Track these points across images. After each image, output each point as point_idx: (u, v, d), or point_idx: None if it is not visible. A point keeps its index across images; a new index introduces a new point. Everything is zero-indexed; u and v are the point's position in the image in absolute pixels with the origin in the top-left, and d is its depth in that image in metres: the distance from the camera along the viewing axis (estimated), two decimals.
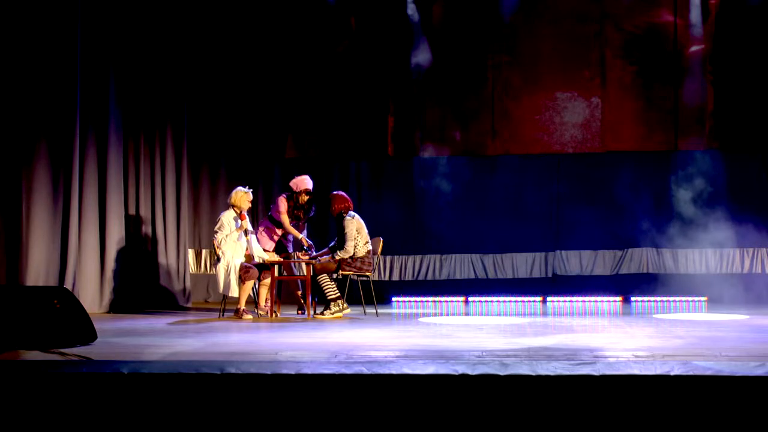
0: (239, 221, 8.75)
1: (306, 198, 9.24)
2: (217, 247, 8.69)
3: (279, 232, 9.36)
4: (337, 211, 8.86)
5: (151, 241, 10.27)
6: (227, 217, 8.75)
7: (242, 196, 8.80)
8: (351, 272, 8.81)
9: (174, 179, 10.57)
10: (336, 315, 8.65)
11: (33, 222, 8.86)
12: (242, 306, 8.64)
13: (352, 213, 8.87)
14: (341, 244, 8.77)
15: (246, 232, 8.80)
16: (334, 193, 9.08)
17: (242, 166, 11.42)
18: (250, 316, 8.59)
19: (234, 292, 8.60)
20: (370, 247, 8.92)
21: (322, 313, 8.69)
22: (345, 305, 8.74)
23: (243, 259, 8.73)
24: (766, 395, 4.18)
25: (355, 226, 8.77)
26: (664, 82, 11.34)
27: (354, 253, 8.74)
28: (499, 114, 11.51)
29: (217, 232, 8.71)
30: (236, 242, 8.69)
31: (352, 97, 11.52)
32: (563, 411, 4.23)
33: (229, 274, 8.60)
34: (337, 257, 8.75)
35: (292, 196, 9.25)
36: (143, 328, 7.61)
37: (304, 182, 9.28)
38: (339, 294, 8.74)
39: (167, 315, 9.16)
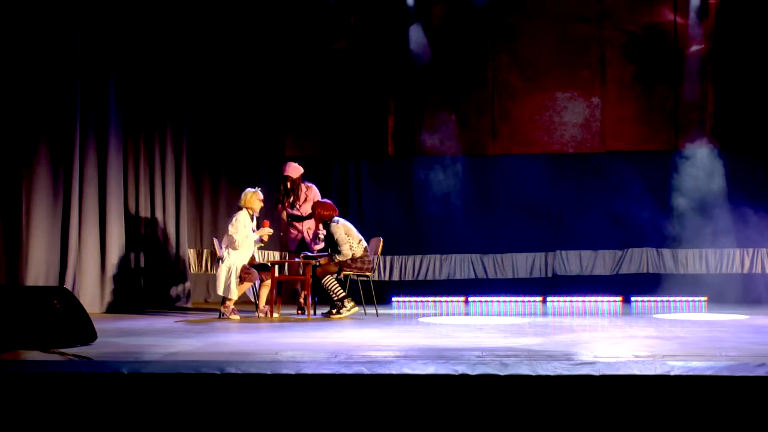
0: (261, 226, 8.80)
1: (288, 184, 9.27)
2: (228, 245, 8.66)
3: (298, 226, 9.37)
4: (323, 219, 8.84)
5: (151, 241, 10.26)
6: (244, 216, 8.75)
7: (251, 196, 8.81)
8: (352, 273, 8.81)
9: (174, 179, 10.56)
10: (353, 310, 8.66)
11: (33, 222, 8.85)
12: (231, 305, 8.64)
13: (336, 219, 8.84)
14: (336, 250, 8.76)
15: (262, 240, 8.84)
16: (319, 200, 9.06)
17: (242, 165, 11.42)
18: (237, 316, 8.57)
19: (233, 294, 8.60)
20: (366, 244, 8.90)
21: (339, 312, 8.61)
22: (352, 304, 8.74)
23: (246, 261, 8.74)
24: (766, 395, 4.18)
25: (343, 230, 8.75)
26: (664, 82, 11.35)
27: (352, 254, 8.74)
28: (499, 114, 11.51)
29: (232, 231, 8.66)
30: (247, 246, 8.69)
31: (352, 97, 11.53)
32: (563, 411, 4.23)
33: (230, 277, 8.60)
34: (337, 260, 8.75)
35: (282, 186, 9.30)
36: (143, 328, 7.61)
37: (284, 169, 9.35)
38: (345, 293, 8.72)
39: (167, 315, 9.16)
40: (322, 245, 9.10)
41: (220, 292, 8.69)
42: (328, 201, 9.02)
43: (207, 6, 11.05)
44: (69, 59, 9.06)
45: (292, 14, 11.45)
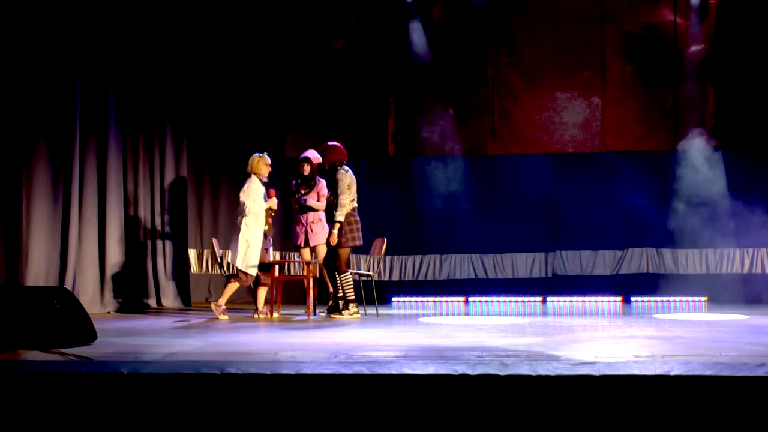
0: (267, 196, 8.64)
1: (307, 169, 9.20)
2: (241, 214, 8.54)
3: (302, 219, 9.31)
4: (331, 163, 8.57)
5: (151, 241, 10.26)
6: (255, 183, 8.60)
7: (258, 161, 8.67)
8: (352, 272, 8.79)
9: (174, 179, 10.56)
10: (354, 315, 8.50)
11: (33, 222, 8.85)
12: (223, 304, 8.57)
13: (346, 167, 8.61)
14: (335, 204, 8.47)
15: (272, 210, 8.70)
16: (330, 143, 8.74)
17: (242, 165, 11.39)
18: (226, 317, 8.50)
19: (251, 268, 8.50)
20: (356, 205, 8.65)
21: (340, 313, 8.52)
22: (356, 309, 8.61)
23: (262, 229, 8.59)
24: (766, 395, 4.18)
25: (348, 181, 8.51)
26: (664, 82, 11.35)
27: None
28: (499, 114, 11.52)
29: (243, 197, 8.53)
30: (260, 213, 8.57)
31: (352, 97, 11.53)
32: (563, 411, 4.23)
33: (249, 248, 8.49)
34: (338, 217, 8.42)
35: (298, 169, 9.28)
36: (143, 328, 7.61)
37: (304, 152, 9.34)
38: (354, 297, 8.62)
39: (167, 315, 9.16)
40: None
41: (239, 264, 8.53)
42: (338, 144, 8.71)
43: (207, 5, 11.05)
44: (69, 59, 9.06)
45: (292, 15, 11.45)
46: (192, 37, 10.80)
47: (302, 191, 9.27)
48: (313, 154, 9.30)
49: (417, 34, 11.56)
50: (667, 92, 11.37)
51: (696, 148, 11.25)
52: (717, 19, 11.25)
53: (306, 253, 9.28)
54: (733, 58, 11.18)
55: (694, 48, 11.33)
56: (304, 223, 9.31)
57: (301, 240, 9.32)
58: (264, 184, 8.72)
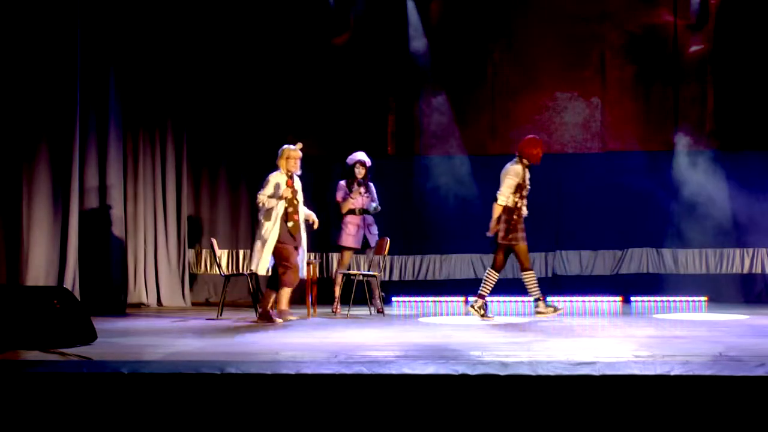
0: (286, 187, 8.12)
1: (362, 171, 9.28)
2: (259, 205, 8.12)
3: (356, 221, 9.28)
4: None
5: (151, 241, 10.26)
6: (275, 176, 8.16)
7: (283, 152, 8.20)
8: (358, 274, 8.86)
9: (174, 179, 10.57)
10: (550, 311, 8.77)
11: (33, 222, 8.84)
12: (286, 308, 8.14)
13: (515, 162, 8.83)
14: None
15: (294, 200, 8.18)
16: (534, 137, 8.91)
17: (242, 165, 11.41)
18: (293, 317, 8.25)
19: (261, 270, 8.12)
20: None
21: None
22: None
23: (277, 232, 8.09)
24: (766, 395, 4.18)
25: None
26: (664, 82, 11.34)
27: None
28: (499, 113, 11.51)
29: (260, 191, 8.14)
30: (273, 210, 8.09)
31: (352, 97, 11.51)
32: (563, 411, 4.23)
33: (262, 251, 8.04)
34: (501, 202, 8.85)
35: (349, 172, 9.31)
36: (143, 328, 7.61)
37: (354, 155, 9.39)
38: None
39: (167, 315, 9.16)
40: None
41: (259, 269, 8.17)
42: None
43: (207, 4, 11.05)
44: (69, 58, 9.05)
45: (292, 15, 11.44)
46: (192, 35, 10.80)
47: (362, 193, 9.29)
48: (364, 157, 9.35)
49: (416, 33, 11.54)
50: (667, 93, 11.35)
51: (695, 149, 11.24)
52: (717, 19, 11.24)
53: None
54: (733, 58, 11.17)
55: (694, 48, 11.32)
56: (359, 225, 9.29)
57: (360, 244, 9.33)
58: (290, 176, 8.23)
